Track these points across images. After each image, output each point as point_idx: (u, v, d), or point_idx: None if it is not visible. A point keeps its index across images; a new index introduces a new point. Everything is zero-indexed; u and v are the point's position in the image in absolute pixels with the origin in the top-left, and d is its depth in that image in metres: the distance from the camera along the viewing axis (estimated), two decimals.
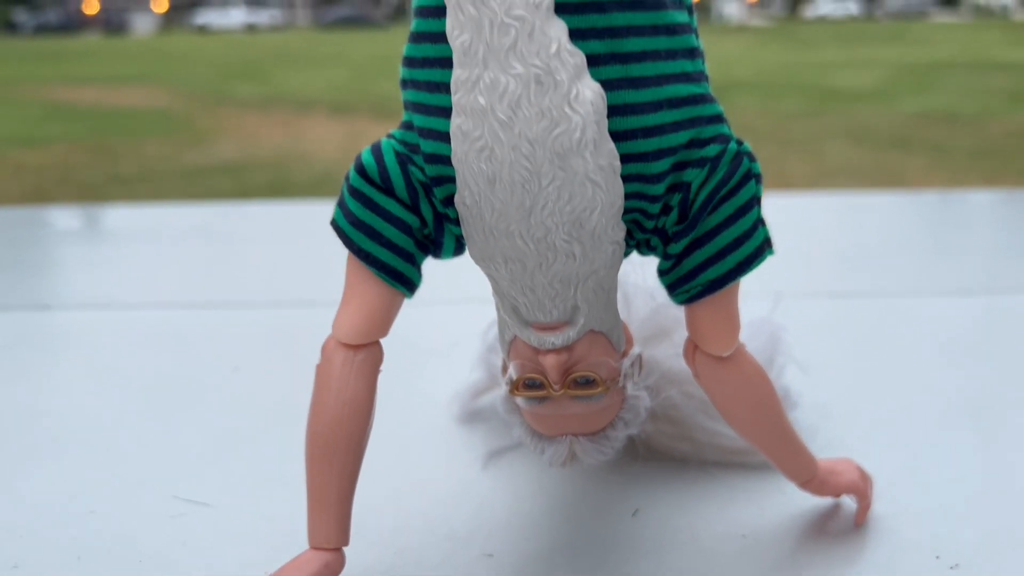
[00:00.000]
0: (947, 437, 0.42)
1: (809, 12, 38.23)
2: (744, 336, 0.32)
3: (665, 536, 0.37)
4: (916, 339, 0.54)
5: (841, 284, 0.61)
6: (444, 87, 0.24)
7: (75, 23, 39.27)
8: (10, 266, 1.93)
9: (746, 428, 0.33)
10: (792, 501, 0.36)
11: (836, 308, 0.56)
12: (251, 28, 37.30)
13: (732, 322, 0.28)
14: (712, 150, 0.25)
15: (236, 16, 38.52)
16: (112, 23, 39.52)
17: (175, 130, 8.03)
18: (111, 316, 0.83)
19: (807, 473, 0.35)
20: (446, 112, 0.24)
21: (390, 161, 0.27)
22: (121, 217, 2.91)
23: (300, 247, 0.95)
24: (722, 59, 15.28)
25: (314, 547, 0.35)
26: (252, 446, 0.45)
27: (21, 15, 41.37)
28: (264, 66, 15.43)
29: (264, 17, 39.02)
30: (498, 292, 0.26)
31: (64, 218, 3.01)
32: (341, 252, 0.41)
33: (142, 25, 42.38)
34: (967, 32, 23.75)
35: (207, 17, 38.80)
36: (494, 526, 0.38)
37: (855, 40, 21.30)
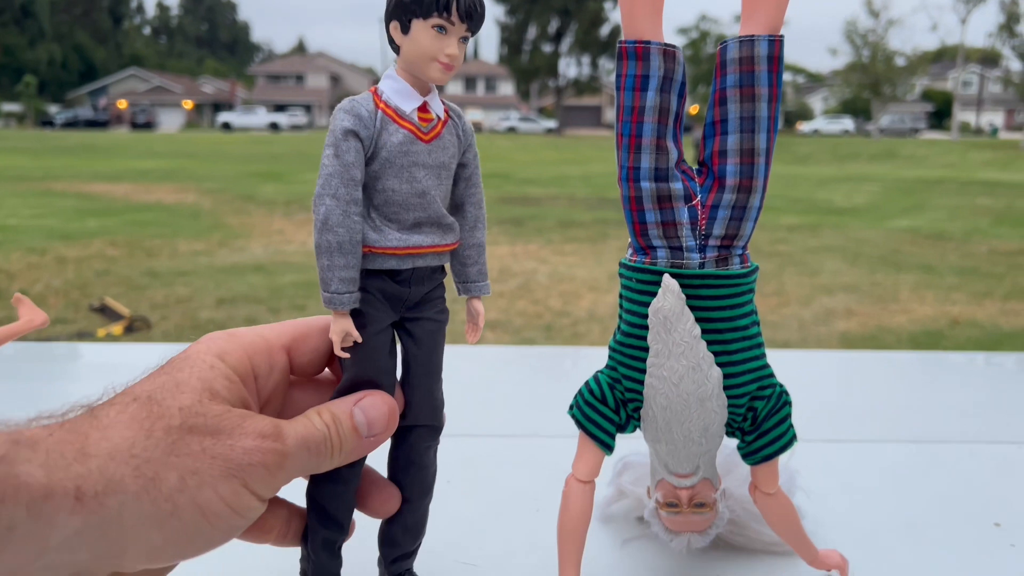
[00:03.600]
0: (910, 546, 0.67)
1: (804, 127, 39.92)
2: None
3: None
4: (885, 475, 0.81)
5: (831, 432, 0.88)
6: (642, 360, 0.53)
7: (102, 119, 40.99)
8: None
9: (780, 531, 0.60)
10: (800, 569, 0.63)
11: (826, 450, 0.83)
12: (274, 127, 38.94)
13: (775, 476, 0.54)
14: (768, 391, 0.53)
15: (260, 116, 40.16)
16: (139, 120, 41.15)
17: (206, 228, 8.42)
18: None
19: (812, 556, 0.60)
20: (642, 371, 0.52)
21: (604, 386, 0.55)
22: None
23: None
24: None
25: None
26: None
27: (53, 109, 43.43)
28: (287, 166, 16.18)
29: (286, 118, 40.63)
30: (656, 455, 0.53)
31: None
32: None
33: (169, 122, 44.32)
34: (956, 151, 24.79)
35: (230, 116, 40.44)
36: None
37: (849, 156, 22.27)
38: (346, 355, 0.46)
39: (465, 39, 0.46)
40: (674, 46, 0.49)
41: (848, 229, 8.79)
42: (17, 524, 0.34)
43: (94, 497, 0.36)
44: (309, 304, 5.27)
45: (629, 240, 0.51)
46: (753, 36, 0.49)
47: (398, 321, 0.48)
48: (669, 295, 0.48)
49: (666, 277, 0.48)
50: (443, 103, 0.48)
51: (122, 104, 43.64)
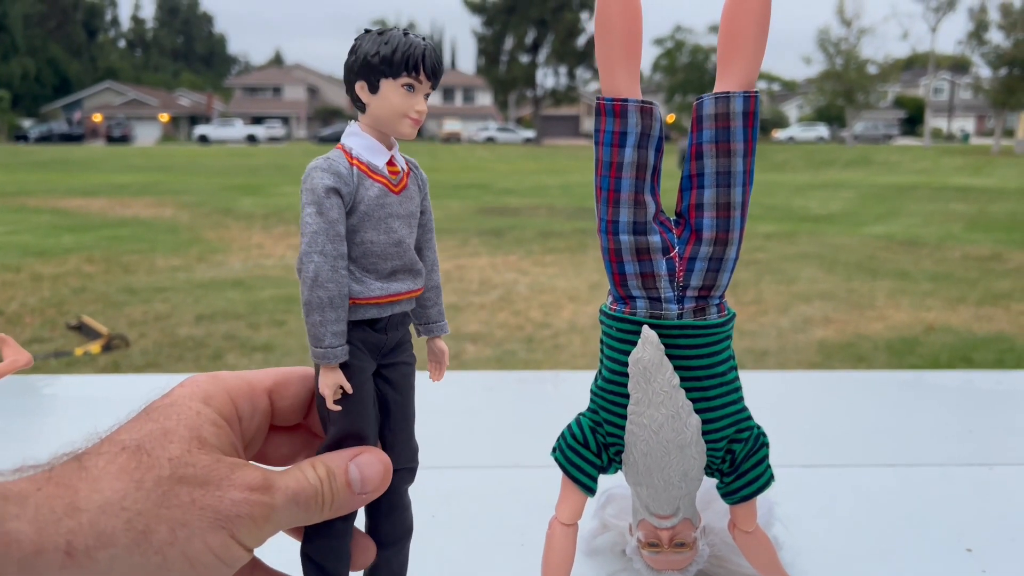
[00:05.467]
0: (884, 574, 0.69)
1: (780, 135, 40.38)
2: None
3: None
4: (860, 500, 0.82)
5: (807, 456, 0.90)
6: (623, 406, 0.54)
7: (77, 133, 40.47)
8: None
9: (759, 567, 0.61)
10: None
11: (803, 476, 0.85)
12: (251, 140, 38.67)
13: (753, 515, 0.55)
14: (746, 434, 0.54)
15: (237, 128, 39.88)
16: (114, 133, 40.67)
17: (183, 243, 8.34)
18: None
19: None
20: (623, 417, 0.53)
21: (586, 430, 0.56)
22: None
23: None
24: None
25: None
26: None
27: (27, 124, 42.89)
28: (265, 179, 16.06)
29: (263, 130, 40.38)
30: (638, 496, 0.54)
31: None
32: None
33: (145, 135, 43.86)
34: (928, 156, 25.20)
35: (207, 129, 40.13)
36: None
37: (824, 163, 22.56)
38: (338, 408, 0.46)
39: (427, 95, 0.48)
40: (651, 103, 0.51)
41: (824, 236, 8.90)
42: None
43: (85, 552, 0.36)
44: (288, 319, 5.23)
45: (609, 288, 0.52)
46: (729, 93, 0.50)
47: (376, 369, 0.49)
48: (648, 346, 0.49)
49: (645, 329, 0.49)
50: (402, 156, 0.50)
51: (97, 118, 43.19)
